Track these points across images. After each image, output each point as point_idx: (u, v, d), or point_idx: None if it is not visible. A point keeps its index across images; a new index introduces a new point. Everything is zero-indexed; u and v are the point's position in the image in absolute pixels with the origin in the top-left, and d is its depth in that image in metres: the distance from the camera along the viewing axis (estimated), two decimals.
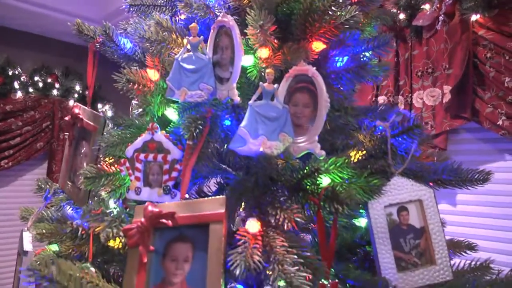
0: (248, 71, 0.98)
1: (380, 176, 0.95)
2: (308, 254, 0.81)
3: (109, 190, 1.04)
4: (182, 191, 0.93)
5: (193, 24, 1.01)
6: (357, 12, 0.95)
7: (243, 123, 0.91)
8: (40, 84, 3.93)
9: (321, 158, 0.92)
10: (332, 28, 0.97)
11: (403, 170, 0.99)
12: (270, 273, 0.76)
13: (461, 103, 2.27)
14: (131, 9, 1.27)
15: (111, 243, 0.92)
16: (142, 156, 1.00)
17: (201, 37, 1.00)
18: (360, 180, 0.91)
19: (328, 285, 0.82)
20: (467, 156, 2.40)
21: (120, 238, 0.93)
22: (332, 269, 0.93)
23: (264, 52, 0.94)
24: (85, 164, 1.22)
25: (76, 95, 4.12)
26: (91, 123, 1.24)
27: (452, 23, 2.29)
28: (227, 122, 1.02)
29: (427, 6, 2.38)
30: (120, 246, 0.94)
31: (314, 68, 0.96)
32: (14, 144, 3.75)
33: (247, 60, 0.98)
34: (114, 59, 1.27)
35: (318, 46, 1.00)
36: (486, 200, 2.33)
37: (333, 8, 0.96)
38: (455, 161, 1.10)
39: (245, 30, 0.96)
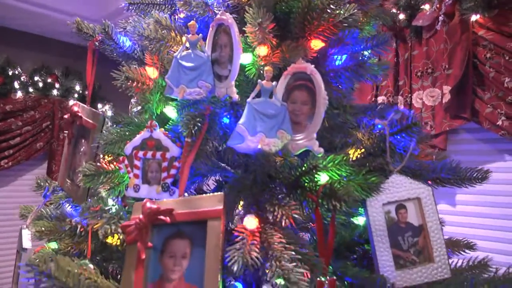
0: (246, 69, 0.98)
1: (378, 174, 0.95)
2: (306, 250, 0.81)
3: (108, 187, 1.04)
4: (180, 188, 0.93)
5: (192, 22, 1.01)
6: (355, 11, 0.96)
7: (241, 120, 0.92)
8: (40, 84, 3.94)
9: (319, 155, 0.92)
10: (330, 26, 0.98)
11: (402, 168, 0.99)
12: (268, 270, 0.76)
13: (461, 103, 2.27)
14: (130, 7, 1.27)
15: (109, 239, 0.93)
16: (140, 153, 1.00)
17: (200, 35, 1.00)
18: (358, 177, 0.91)
19: (326, 282, 0.82)
20: (466, 156, 2.40)
21: (119, 234, 0.93)
22: (330, 267, 0.93)
23: (262, 50, 0.95)
24: (84, 162, 1.22)
25: (76, 95, 4.12)
26: (90, 121, 1.24)
27: (452, 23, 2.30)
28: (226, 120, 1.02)
29: (427, 6, 2.38)
30: (119, 243, 0.95)
31: (313, 66, 0.96)
32: (14, 144, 3.75)
33: (245, 58, 0.98)
34: (114, 58, 1.28)
35: (316, 44, 1.01)
36: (486, 200, 2.33)
37: (331, 6, 0.96)
38: (454, 159, 1.10)
39: (243, 28, 0.97)
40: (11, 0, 3.31)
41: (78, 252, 1.10)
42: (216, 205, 0.83)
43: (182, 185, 0.93)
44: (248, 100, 0.93)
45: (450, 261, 1.00)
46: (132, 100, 1.27)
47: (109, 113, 4.19)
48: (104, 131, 1.17)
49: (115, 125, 1.15)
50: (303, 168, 0.89)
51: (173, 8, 1.24)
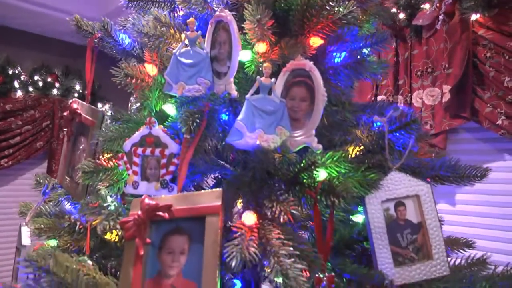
0: (245, 65, 0.98)
1: (377, 171, 0.95)
2: (304, 247, 0.81)
3: (107, 184, 1.04)
4: (179, 184, 0.93)
5: (191, 19, 1.01)
6: (355, 8, 0.96)
7: (240, 117, 0.92)
8: (40, 84, 3.94)
9: (318, 152, 0.92)
10: (329, 23, 0.98)
11: (401, 166, 0.99)
12: (268, 268, 0.76)
13: (461, 102, 2.27)
14: (130, 5, 1.27)
15: (108, 236, 0.93)
16: (139, 150, 1.00)
17: (199, 32, 1.01)
18: (357, 174, 0.91)
19: (324, 278, 0.82)
20: (466, 155, 2.40)
21: (117, 231, 0.93)
22: (329, 263, 0.93)
23: (261, 47, 0.95)
24: (83, 159, 1.22)
25: (76, 95, 4.12)
26: (89, 118, 1.24)
27: (452, 22, 2.29)
28: (225, 116, 1.02)
29: (427, 6, 2.38)
30: (117, 240, 0.95)
31: (312, 63, 0.97)
32: (14, 143, 3.75)
33: (244, 55, 0.98)
34: (113, 55, 1.28)
35: (315, 41, 1.01)
36: (485, 199, 2.33)
37: (330, 3, 0.96)
38: (453, 157, 1.10)
39: (242, 25, 0.97)
40: None
41: (77, 249, 1.10)
42: (214, 201, 0.83)
43: (180, 182, 0.93)
44: (247, 96, 0.93)
45: (449, 258, 1.00)
46: (132, 98, 1.27)
47: (109, 113, 4.19)
48: (103, 128, 1.17)
49: (114, 122, 1.15)
50: (302, 165, 0.89)
51: (173, 5, 1.24)
